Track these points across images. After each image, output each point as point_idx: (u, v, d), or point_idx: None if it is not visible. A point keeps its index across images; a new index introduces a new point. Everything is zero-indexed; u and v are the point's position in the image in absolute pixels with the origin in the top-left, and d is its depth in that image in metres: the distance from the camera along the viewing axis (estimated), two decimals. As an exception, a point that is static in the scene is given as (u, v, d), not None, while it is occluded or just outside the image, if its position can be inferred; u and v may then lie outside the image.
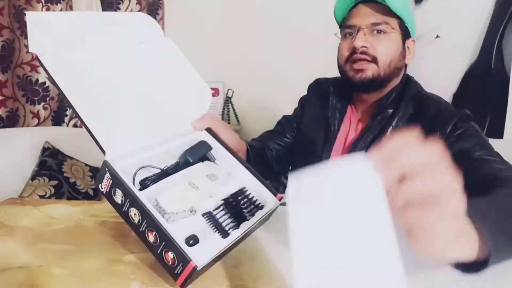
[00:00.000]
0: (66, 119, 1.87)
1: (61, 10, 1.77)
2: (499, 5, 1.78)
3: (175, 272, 0.49)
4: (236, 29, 2.27)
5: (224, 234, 0.55)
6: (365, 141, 0.87)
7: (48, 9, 1.73)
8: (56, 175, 1.48)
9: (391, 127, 0.85)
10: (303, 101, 1.07)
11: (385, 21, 0.83)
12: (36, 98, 1.76)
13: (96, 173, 1.61)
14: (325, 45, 1.95)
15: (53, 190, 1.44)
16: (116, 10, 1.94)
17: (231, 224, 0.57)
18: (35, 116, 1.77)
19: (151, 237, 0.51)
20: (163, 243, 0.50)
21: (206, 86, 0.75)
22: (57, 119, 1.85)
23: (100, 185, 0.56)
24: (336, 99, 0.96)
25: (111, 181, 0.54)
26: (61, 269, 0.55)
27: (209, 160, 0.67)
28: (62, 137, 1.67)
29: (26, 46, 1.70)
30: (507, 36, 1.79)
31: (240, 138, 0.83)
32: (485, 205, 0.50)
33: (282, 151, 1.02)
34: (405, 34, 0.86)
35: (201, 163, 0.65)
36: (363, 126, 0.90)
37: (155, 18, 2.10)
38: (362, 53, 0.83)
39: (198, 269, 0.47)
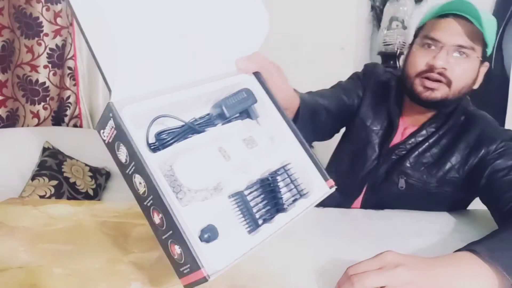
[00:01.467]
0: (66, 119, 1.87)
1: (61, 10, 1.77)
2: (499, 5, 1.78)
3: (181, 269, 0.40)
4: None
5: (253, 225, 0.45)
6: (406, 145, 0.86)
7: (48, 10, 1.73)
8: (56, 175, 1.48)
9: (437, 135, 0.85)
10: (361, 78, 0.99)
11: (472, 46, 0.77)
12: (36, 98, 1.76)
13: (96, 173, 1.61)
14: (327, 49, 1.95)
15: (53, 190, 1.44)
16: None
17: (263, 212, 0.47)
18: (35, 116, 1.77)
19: (156, 218, 0.40)
20: (170, 231, 0.39)
21: (264, 13, 0.55)
22: (57, 119, 1.85)
23: (102, 131, 0.43)
24: (397, 98, 0.92)
25: (115, 131, 0.41)
26: (61, 269, 0.55)
27: (249, 117, 0.52)
28: (62, 137, 1.67)
29: (26, 46, 1.70)
30: (507, 36, 1.79)
31: (295, 91, 0.71)
32: (501, 241, 0.55)
33: (340, 115, 0.91)
34: (483, 60, 0.82)
35: (239, 120, 0.51)
36: (410, 132, 0.88)
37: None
38: (439, 73, 0.78)
39: (210, 279, 0.38)
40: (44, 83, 1.76)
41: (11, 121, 1.71)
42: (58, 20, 1.77)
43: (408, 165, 0.85)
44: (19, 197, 1.36)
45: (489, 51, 0.82)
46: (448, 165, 0.82)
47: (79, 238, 0.65)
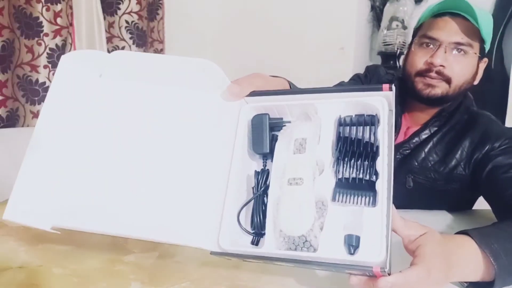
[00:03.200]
0: (66, 119, 1.88)
1: (61, 10, 1.76)
2: (499, 5, 1.78)
3: (369, 274, 0.40)
4: (237, 29, 2.27)
5: (370, 194, 0.43)
6: (410, 143, 0.87)
7: (48, 9, 1.73)
8: (56, 175, 1.48)
9: (441, 133, 0.85)
10: (362, 80, 1.00)
11: (469, 43, 0.80)
12: (36, 98, 1.76)
13: (96, 173, 1.60)
14: (327, 49, 1.95)
15: (53, 190, 1.44)
16: (116, 10, 1.94)
17: (366, 171, 0.44)
18: (35, 116, 1.77)
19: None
20: (331, 268, 0.42)
21: (207, 64, 0.58)
22: (57, 119, 1.85)
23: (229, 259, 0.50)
24: (399, 99, 0.91)
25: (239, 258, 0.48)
26: (61, 269, 0.55)
27: (279, 128, 0.52)
28: (62, 137, 1.67)
29: (26, 46, 1.70)
30: (507, 36, 1.79)
31: (277, 77, 0.69)
32: (497, 230, 0.55)
33: None
34: (481, 56, 0.84)
35: (276, 143, 0.50)
36: (413, 131, 0.89)
37: (155, 18, 2.09)
38: (437, 72, 0.80)
39: (387, 272, 0.38)
40: (44, 83, 1.76)
41: (11, 121, 1.71)
42: (58, 20, 1.77)
43: (415, 163, 0.85)
44: (19, 197, 1.36)
45: (487, 47, 0.83)
46: (454, 161, 0.83)
47: (79, 238, 0.65)
